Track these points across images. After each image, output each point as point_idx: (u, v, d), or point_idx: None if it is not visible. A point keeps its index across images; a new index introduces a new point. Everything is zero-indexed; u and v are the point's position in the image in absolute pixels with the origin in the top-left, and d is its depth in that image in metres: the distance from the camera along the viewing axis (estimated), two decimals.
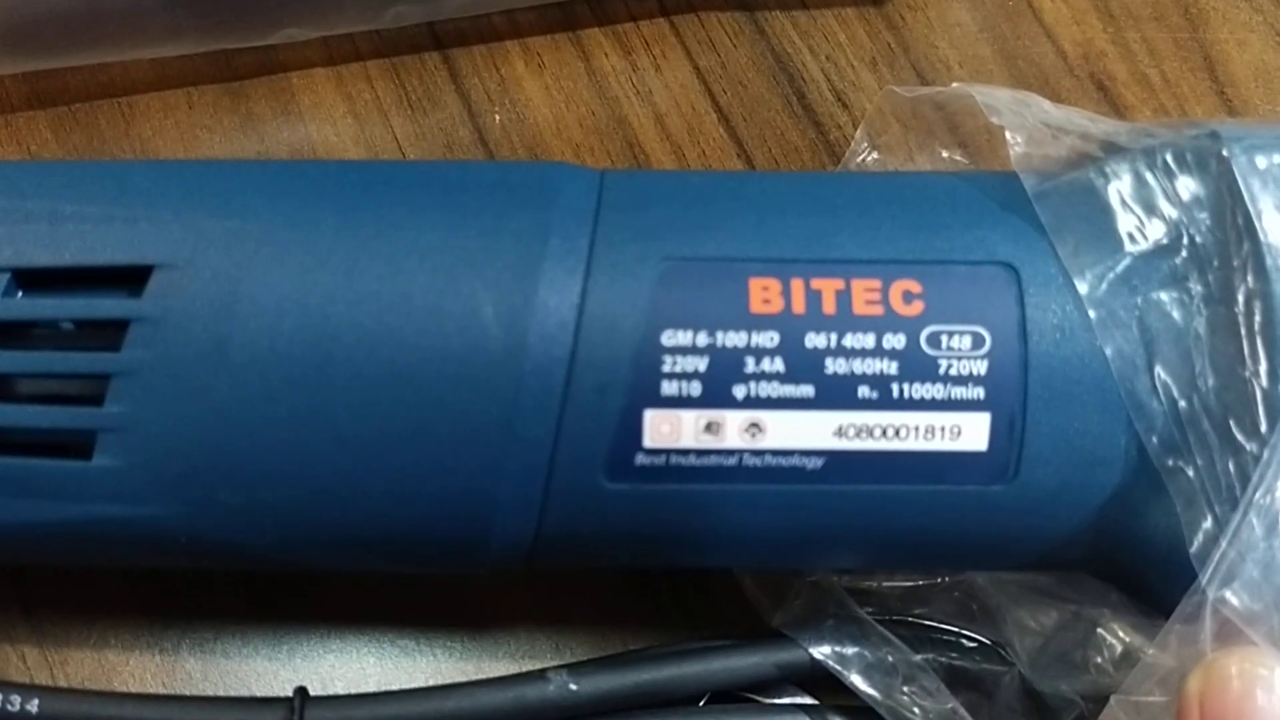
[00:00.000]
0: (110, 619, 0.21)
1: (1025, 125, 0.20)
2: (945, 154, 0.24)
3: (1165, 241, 0.17)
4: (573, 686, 0.20)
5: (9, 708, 0.19)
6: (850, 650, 0.19)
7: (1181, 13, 0.29)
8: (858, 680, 0.19)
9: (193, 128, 0.25)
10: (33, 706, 0.19)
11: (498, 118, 0.26)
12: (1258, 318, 0.16)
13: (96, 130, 0.25)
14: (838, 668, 0.19)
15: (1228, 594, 0.15)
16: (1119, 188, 0.17)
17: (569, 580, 0.22)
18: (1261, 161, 0.17)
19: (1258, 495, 0.15)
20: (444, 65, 0.26)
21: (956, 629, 0.20)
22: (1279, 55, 0.29)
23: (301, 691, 0.20)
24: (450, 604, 0.22)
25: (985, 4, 0.28)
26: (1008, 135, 0.19)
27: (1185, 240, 0.17)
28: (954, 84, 0.22)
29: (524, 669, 0.21)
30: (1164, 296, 0.17)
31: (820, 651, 0.19)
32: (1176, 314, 0.16)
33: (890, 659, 0.19)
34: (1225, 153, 0.17)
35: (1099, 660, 0.18)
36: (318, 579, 0.22)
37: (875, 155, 0.24)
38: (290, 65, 0.26)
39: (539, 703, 0.19)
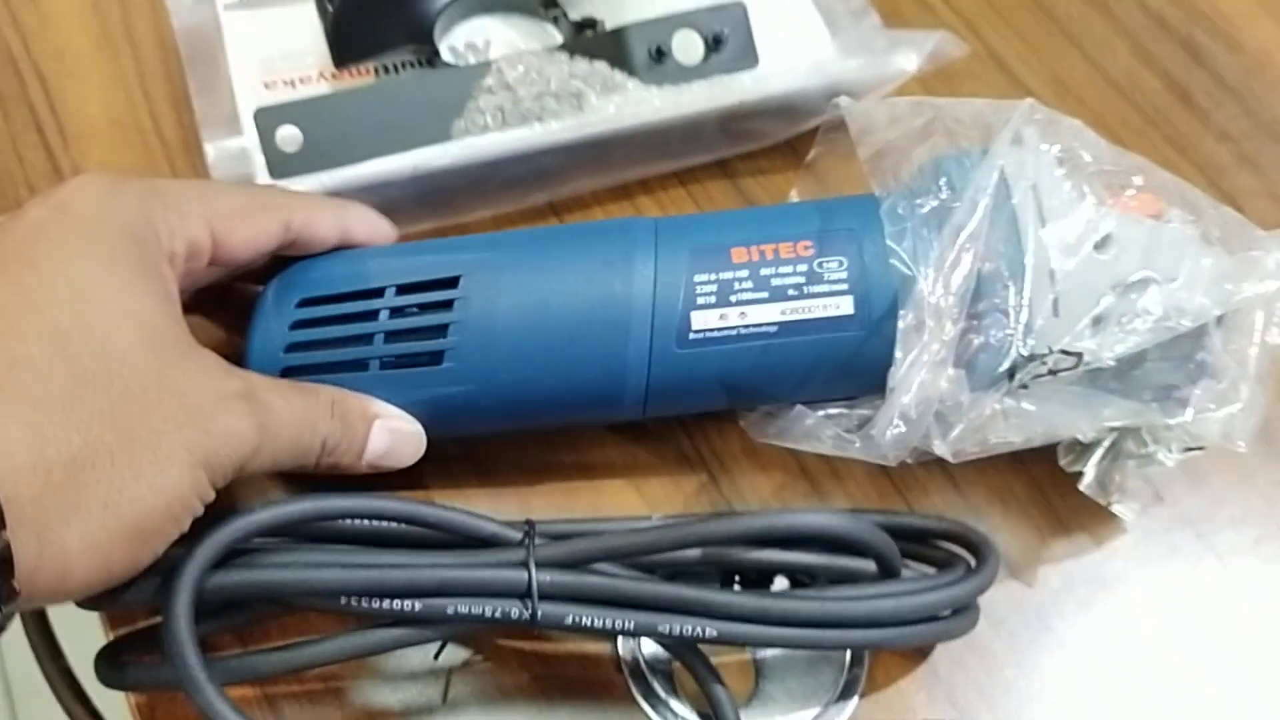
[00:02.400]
0: None
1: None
2: None
3: (925, 208, 0.41)
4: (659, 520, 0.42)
5: None
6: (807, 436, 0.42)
7: None
8: (809, 446, 0.41)
9: None
10: None
11: None
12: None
13: None
14: (803, 447, 0.41)
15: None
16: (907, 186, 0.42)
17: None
18: (956, 166, 0.41)
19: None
20: (556, 220, 0.52)
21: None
22: None
23: (530, 521, 0.42)
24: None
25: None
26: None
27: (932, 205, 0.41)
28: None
29: None
30: (921, 231, 0.41)
31: (789, 444, 0.42)
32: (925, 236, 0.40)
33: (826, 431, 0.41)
34: (944, 164, 0.42)
35: None
36: None
37: None
38: (475, 230, 0.51)
39: (647, 530, 0.41)
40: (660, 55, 0.52)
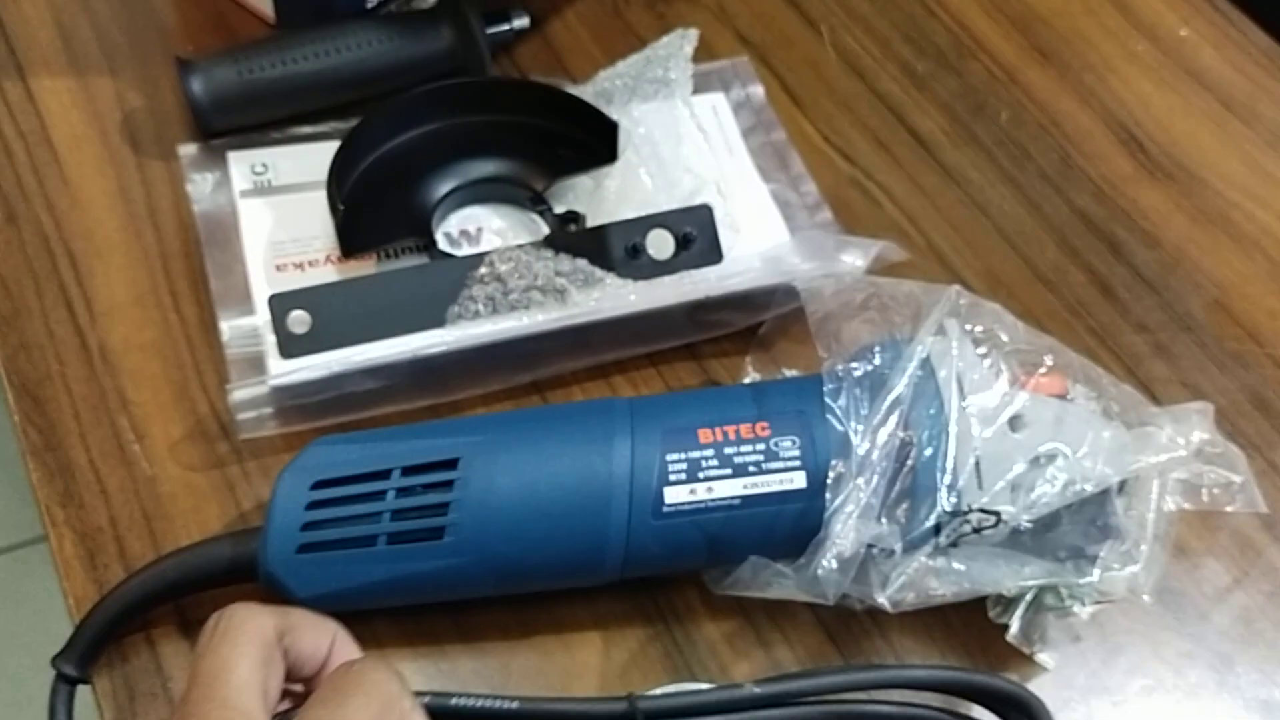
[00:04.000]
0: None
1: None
2: (787, 372, 0.56)
3: (859, 372, 0.49)
4: (757, 690, 0.47)
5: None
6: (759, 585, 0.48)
7: None
8: (760, 593, 0.48)
9: None
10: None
11: None
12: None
13: None
14: (754, 594, 0.48)
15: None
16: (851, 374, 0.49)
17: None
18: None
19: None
20: (539, 398, 0.59)
21: None
22: None
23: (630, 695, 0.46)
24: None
25: None
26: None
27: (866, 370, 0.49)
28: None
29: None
30: (854, 391, 0.48)
31: (743, 593, 0.48)
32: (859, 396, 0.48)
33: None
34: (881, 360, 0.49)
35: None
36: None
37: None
38: (466, 407, 0.58)
39: (741, 697, 0.47)
40: (635, 252, 0.59)
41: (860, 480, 0.47)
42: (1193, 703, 0.53)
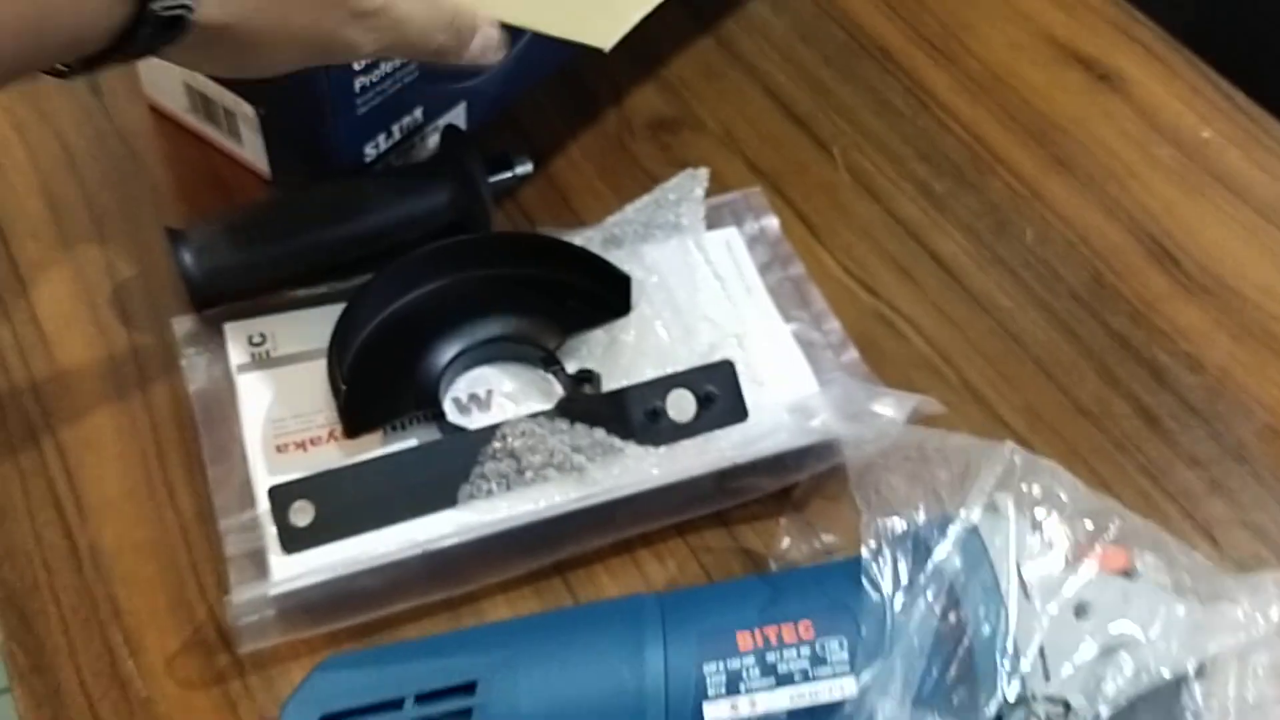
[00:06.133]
0: None
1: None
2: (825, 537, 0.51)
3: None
4: None
5: None
6: None
7: None
8: None
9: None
10: None
11: None
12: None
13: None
14: None
15: None
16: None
17: None
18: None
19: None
20: (561, 581, 0.53)
21: None
22: None
23: None
24: None
25: None
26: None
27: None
28: None
29: None
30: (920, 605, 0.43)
31: None
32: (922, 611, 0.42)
33: None
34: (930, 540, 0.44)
35: None
36: None
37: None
38: (483, 597, 0.53)
39: None
40: (655, 415, 0.55)
41: (898, 656, 0.42)
42: None
